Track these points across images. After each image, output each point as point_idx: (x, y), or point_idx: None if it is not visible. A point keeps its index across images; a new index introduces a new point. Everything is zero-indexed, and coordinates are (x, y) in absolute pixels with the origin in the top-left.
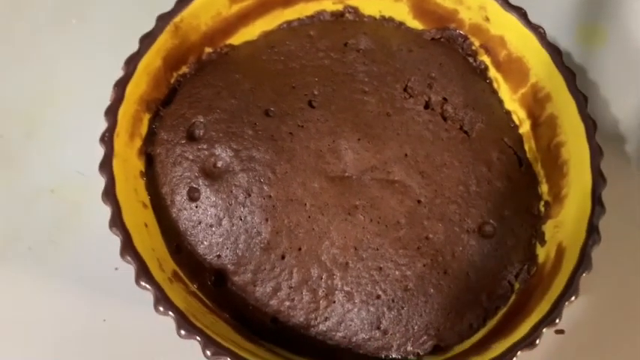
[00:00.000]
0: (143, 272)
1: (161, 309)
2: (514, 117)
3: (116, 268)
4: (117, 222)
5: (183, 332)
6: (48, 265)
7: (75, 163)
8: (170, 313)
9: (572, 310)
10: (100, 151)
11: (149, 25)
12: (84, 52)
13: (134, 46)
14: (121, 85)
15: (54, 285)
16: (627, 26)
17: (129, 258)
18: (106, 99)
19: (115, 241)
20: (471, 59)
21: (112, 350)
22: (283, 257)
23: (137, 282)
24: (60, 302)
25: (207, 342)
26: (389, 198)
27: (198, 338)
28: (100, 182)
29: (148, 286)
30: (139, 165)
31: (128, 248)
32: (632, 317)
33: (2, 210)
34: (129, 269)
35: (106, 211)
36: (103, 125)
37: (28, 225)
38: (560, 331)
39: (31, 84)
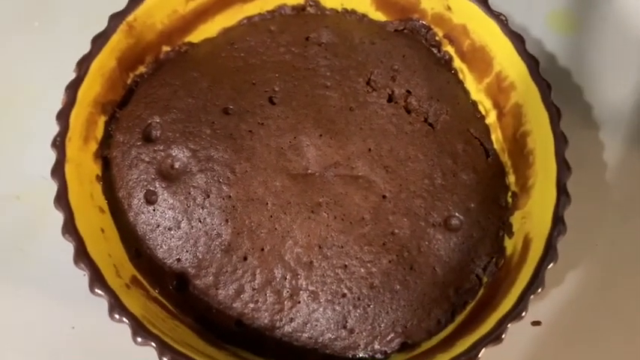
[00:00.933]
0: (97, 279)
1: (116, 316)
2: (480, 107)
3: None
4: (69, 228)
5: (139, 339)
6: (15, 273)
7: (40, 168)
8: (125, 319)
9: (548, 301)
10: None
11: None
12: (46, 54)
13: None
14: (72, 88)
15: (21, 292)
16: (598, 12)
17: (82, 265)
18: None
19: None
20: (435, 50)
21: (81, 358)
22: (245, 258)
23: (91, 289)
24: (27, 310)
25: (164, 348)
26: (353, 194)
27: (153, 344)
28: None
29: (102, 292)
30: (95, 169)
31: (81, 255)
32: (606, 305)
33: None
34: None
35: None
36: None
37: None
38: (536, 323)
39: None
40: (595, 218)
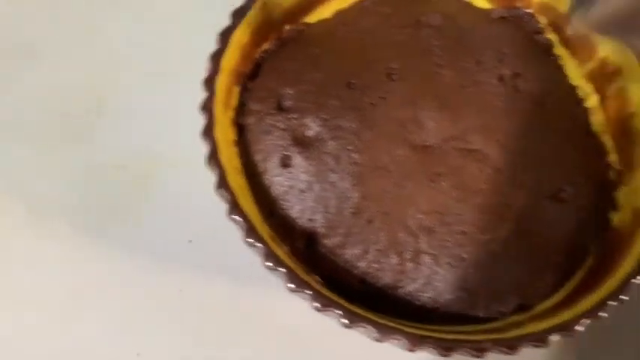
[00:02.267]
0: (251, 230)
1: (270, 264)
2: (580, 92)
3: (190, 241)
4: (223, 184)
5: (292, 286)
6: (121, 238)
7: (146, 139)
8: (280, 268)
9: None
10: (170, 128)
11: (216, 6)
12: (152, 29)
13: (202, 26)
14: (216, 58)
15: (129, 256)
16: None
17: (236, 217)
18: (175, 76)
19: (188, 215)
20: (537, 36)
21: (189, 318)
22: (371, 221)
23: (245, 240)
24: (135, 273)
25: (316, 294)
26: (469, 166)
27: (307, 292)
28: (171, 158)
29: (257, 243)
30: (232, 134)
31: (235, 208)
32: None
33: (74, 185)
34: (202, 241)
35: (177, 187)
36: (172, 102)
37: (100, 199)
38: None
39: (100, 61)
40: None
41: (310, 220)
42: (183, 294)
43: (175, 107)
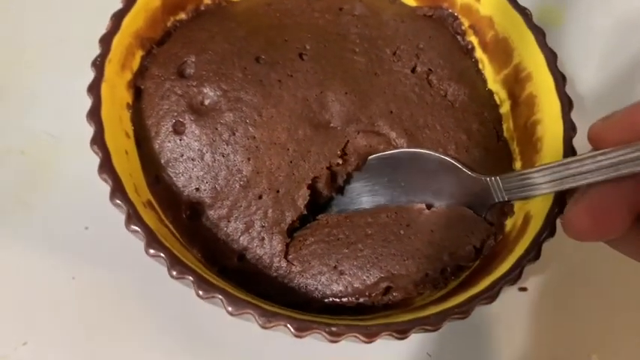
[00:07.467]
0: (118, 190)
1: (132, 227)
2: (496, 97)
3: (86, 228)
4: (98, 141)
5: (151, 251)
6: (17, 224)
7: (45, 124)
8: (140, 230)
9: (533, 270)
10: (69, 112)
11: None
12: (53, 13)
13: (105, 7)
14: (117, 17)
15: (23, 243)
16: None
17: (105, 176)
18: (76, 60)
19: (86, 201)
20: (459, 38)
21: (81, 306)
22: (260, 197)
23: (111, 199)
24: (29, 259)
25: (174, 261)
26: (373, 149)
27: (163, 255)
28: (70, 143)
29: (121, 203)
30: (127, 97)
31: (106, 166)
32: (584, 276)
33: None
34: (99, 228)
35: (76, 172)
36: (73, 86)
37: None
38: (523, 289)
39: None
40: None
41: (197, 189)
42: (76, 281)
43: (77, 90)
